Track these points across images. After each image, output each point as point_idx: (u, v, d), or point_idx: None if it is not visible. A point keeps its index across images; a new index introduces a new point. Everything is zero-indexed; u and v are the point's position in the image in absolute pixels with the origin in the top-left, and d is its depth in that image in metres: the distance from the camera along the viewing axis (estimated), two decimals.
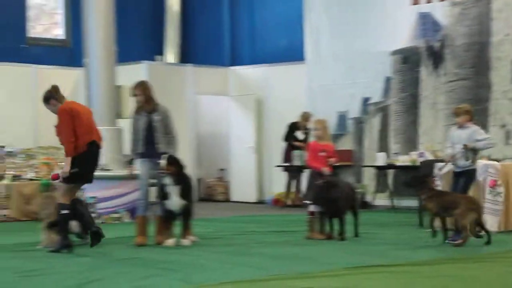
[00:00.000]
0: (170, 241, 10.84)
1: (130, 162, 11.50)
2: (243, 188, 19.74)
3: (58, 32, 21.00)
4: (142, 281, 8.01)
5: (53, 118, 10.93)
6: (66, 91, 19.14)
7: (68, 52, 20.58)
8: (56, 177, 11.20)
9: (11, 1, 19.92)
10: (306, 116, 17.95)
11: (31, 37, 20.30)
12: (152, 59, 20.48)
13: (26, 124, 18.35)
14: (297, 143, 17.90)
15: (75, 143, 10.30)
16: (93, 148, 10.52)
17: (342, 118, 18.26)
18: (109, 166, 14.60)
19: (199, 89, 19.90)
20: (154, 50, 21.65)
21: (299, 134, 18.05)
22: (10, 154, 15.87)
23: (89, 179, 10.76)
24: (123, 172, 14.20)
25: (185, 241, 10.88)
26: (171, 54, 21.64)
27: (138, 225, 11.24)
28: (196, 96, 19.89)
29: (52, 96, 10.71)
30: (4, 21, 19.66)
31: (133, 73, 17.73)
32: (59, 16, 20.95)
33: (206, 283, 7.84)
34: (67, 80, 19.71)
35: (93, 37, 15.20)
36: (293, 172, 18.00)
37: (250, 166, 19.63)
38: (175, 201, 10.82)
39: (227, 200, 19.90)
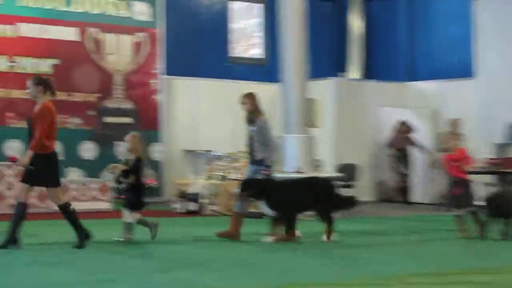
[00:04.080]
0: (267, 238, 10.22)
1: None
2: (422, 189, 18.48)
3: (256, 51, 20.86)
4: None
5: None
6: (262, 103, 19.07)
7: (264, 69, 20.36)
8: (14, 160, 9.70)
9: (217, 27, 19.99)
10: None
11: (232, 56, 20.29)
12: (335, 75, 19.87)
13: (228, 131, 17.95)
14: None
15: (44, 142, 9.04)
16: (55, 156, 9.28)
17: (510, 128, 16.83)
18: (302, 168, 14.01)
19: (380, 102, 19.09)
20: (336, 67, 21.08)
21: None
22: (217, 157, 15.72)
23: (51, 182, 9.34)
24: (312, 174, 13.57)
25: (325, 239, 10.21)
26: (353, 71, 21.03)
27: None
28: (377, 108, 19.05)
29: (44, 85, 9.27)
30: (211, 43, 19.80)
31: (322, 87, 17.51)
32: (257, 38, 20.87)
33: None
34: (264, 94, 19.27)
35: (288, 56, 14.81)
36: None
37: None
38: (265, 210, 10.31)
39: (406, 202, 18.39)
